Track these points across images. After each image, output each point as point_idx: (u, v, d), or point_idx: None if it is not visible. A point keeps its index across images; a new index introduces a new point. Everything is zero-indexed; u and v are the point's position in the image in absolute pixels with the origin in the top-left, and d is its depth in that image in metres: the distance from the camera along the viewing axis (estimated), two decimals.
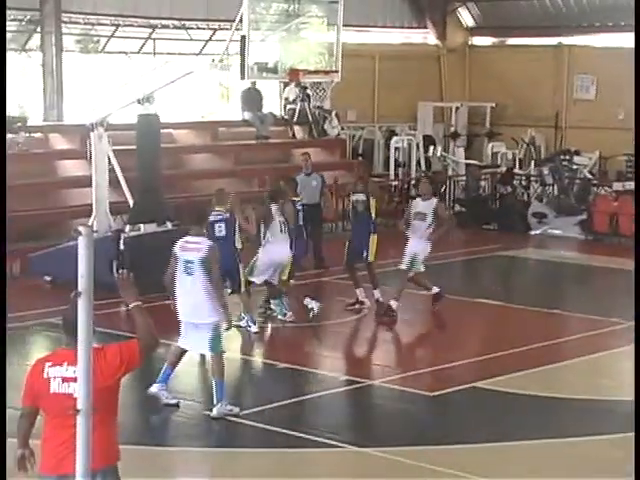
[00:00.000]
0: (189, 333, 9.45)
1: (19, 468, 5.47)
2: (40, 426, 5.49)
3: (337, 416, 9.91)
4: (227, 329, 9.73)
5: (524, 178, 21.78)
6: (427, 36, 25.76)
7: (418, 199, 13.72)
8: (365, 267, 13.53)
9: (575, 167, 21.89)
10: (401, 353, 12.38)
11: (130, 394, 9.03)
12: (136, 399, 9.62)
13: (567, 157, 22.12)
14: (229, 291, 12.05)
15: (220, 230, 12.03)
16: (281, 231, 12.46)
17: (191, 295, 9.30)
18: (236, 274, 12.18)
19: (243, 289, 12.36)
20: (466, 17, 25.98)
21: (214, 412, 9.17)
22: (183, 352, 9.61)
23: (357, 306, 13.43)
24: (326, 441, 8.33)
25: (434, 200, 13.37)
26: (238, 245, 12.30)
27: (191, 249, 9.34)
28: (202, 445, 8.98)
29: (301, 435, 8.41)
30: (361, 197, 13.42)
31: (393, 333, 13.01)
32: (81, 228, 4.18)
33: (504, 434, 9.02)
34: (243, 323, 12.40)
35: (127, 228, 14.72)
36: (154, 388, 9.50)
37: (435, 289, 13.50)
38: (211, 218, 11.78)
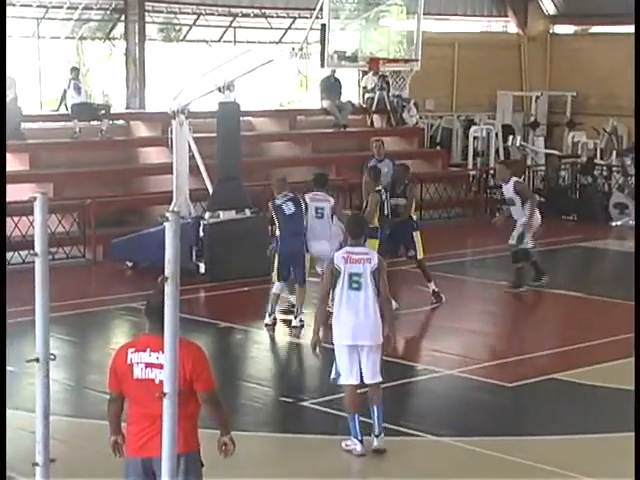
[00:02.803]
0: (352, 361, 8.13)
1: (114, 453, 5.66)
2: (126, 409, 5.61)
3: (414, 405, 9.92)
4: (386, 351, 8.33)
5: (605, 168, 21.46)
6: (507, 24, 25.53)
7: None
8: (415, 264, 13.40)
9: None
10: (479, 343, 12.31)
11: None
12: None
13: None
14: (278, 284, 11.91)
15: (289, 209, 11.91)
16: None
17: (361, 313, 8.04)
18: (302, 263, 11.95)
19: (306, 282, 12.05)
20: (548, 5, 25.65)
21: (377, 444, 8.18)
22: (355, 388, 8.22)
23: None
24: (403, 430, 8.35)
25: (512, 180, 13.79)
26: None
27: (358, 260, 8.07)
28: (278, 431, 9.07)
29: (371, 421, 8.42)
30: (401, 201, 13.18)
31: (471, 323, 12.96)
32: (168, 214, 4.24)
33: (583, 426, 8.95)
34: (296, 322, 11.95)
35: (206, 215, 14.88)
36: (350, 444, 8.22)
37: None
38: (278, 202, 11.87)
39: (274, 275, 12.05)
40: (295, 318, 12.01)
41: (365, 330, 8.04)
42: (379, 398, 8.22)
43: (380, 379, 8.19)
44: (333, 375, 8.27)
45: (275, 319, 12.11)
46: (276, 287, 12.05)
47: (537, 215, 14.04)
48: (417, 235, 13.23)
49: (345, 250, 8.26)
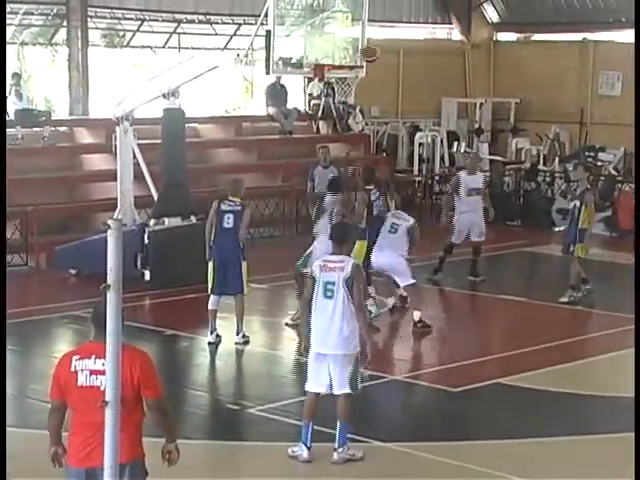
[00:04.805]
0: (321, 370, 8.11)
1: (53, 464, 5.58)
2: (68, 418, 5.54)
3: (360, 411, 9.91)
4: (367, 364, 8.36)
5: (548, 174, 21.70)
6: (452, 32, 25.72)
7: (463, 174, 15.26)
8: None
9: (600, 164, 21.79)
10: (424, 349, 12.38)
11: None
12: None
13: (592, 153, 22.02)
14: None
15: (228, 222, 11.41)
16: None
17: (332, 321, 8.02)
18: (239, 271, 11.42)
19: (245, 292, 11.52)
20: (491, 13, 25.91)
21: (335, 457, 8.16)
22: (317, 396, 8.25)
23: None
24: (350, 436, 8.34)
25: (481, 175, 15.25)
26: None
27: (332, 269, 8.05)
28: (224, 438, 9.02)
29: (324, 429, 8.42)
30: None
31: (416, 329, 12.98)
32: (110, 221, 4.21)
33: (527, 430, 9.01)
34: (239, 339, 11.54)
35: (152, 222, 14.79)
36: (296, 450, 8.27)
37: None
38: (223, 207, 11.42)
39: (209, 285, 11.50)
40: (237, 334, 11.53)
41: (331, 339, 8.03)
42: (345, 413, 8.15)
43: (348, 390, 8.09)
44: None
45: (218, 336, 11.59)
46: (211, 302, 11.55)
47: None
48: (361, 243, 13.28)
49: (322, 259, 8.31)
